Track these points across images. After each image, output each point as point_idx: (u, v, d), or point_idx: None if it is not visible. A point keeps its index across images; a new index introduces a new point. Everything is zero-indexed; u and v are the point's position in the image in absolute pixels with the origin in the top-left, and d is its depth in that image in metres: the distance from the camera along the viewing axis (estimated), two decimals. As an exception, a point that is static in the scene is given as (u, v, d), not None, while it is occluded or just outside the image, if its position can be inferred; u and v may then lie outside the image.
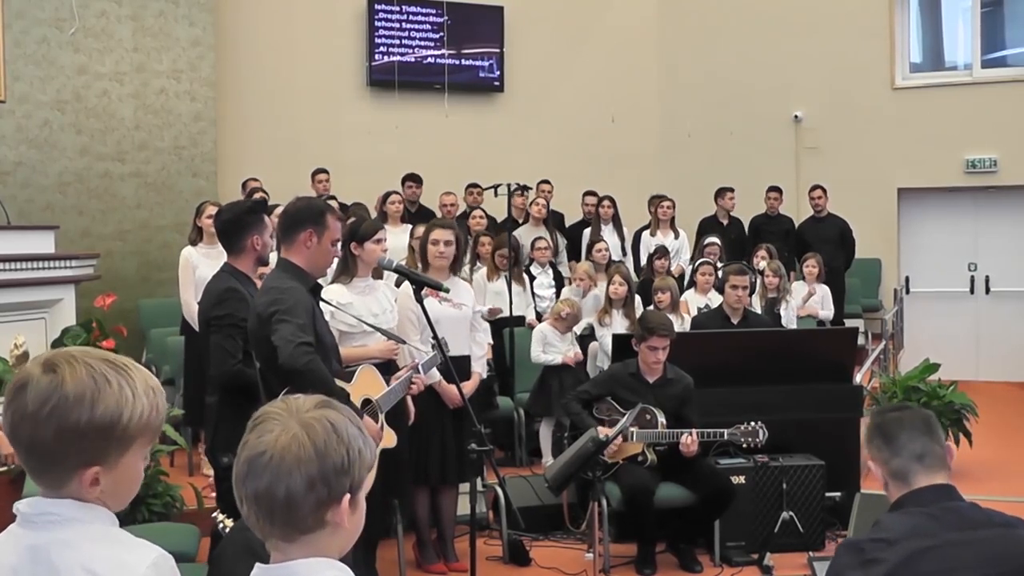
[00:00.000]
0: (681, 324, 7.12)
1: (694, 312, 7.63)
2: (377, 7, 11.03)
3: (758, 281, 8.15)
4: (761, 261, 8.60)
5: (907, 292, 11.35)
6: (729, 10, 11.83)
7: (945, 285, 11.37)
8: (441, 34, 11.28)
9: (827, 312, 8.91)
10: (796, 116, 11.67)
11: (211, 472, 5.19)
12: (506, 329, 7.52)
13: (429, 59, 11.30)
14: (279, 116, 10.54)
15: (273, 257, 4.79)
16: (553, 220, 9.73)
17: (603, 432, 5.19)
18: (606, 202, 9.54)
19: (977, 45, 11.25)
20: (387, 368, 4.67)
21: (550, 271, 8.64)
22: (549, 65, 11.70)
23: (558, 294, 8.26)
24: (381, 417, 4.19)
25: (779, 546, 5.63)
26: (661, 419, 5.49)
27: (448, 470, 5.35)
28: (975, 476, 6.54)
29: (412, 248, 7.11)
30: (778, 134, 11.65)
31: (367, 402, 4.16)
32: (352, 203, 8.48)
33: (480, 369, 5.58)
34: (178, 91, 9.62)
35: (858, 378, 6.84)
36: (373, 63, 11.06)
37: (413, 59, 11.24)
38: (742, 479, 5.70)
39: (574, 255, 9.56)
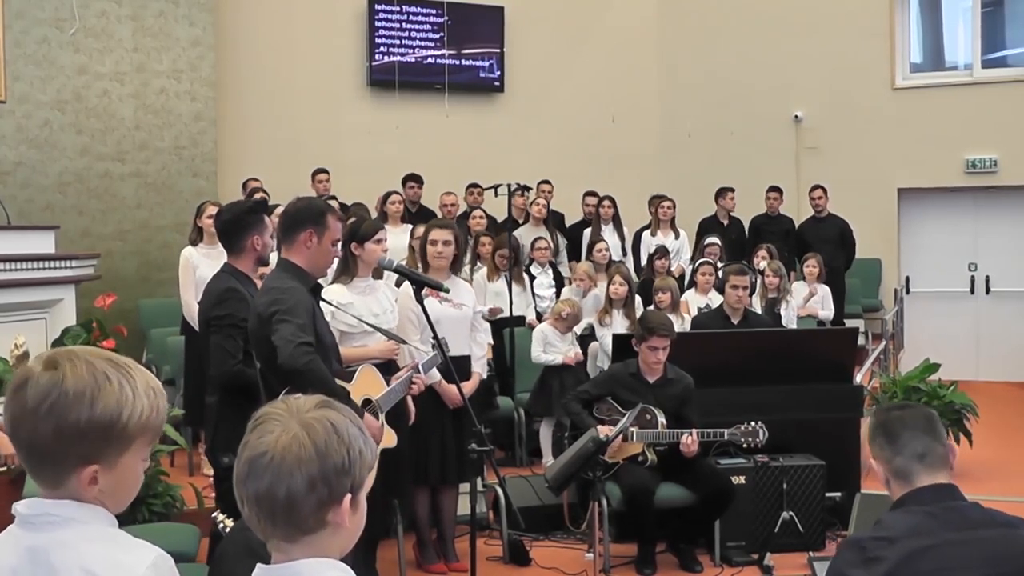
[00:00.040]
0: (681, 324, 7.12)
1: (694, 312, 7.63)
2: (377, 7, 11.03)
3: (758, 281, 8.15)
4: (761, 261, 8.60)
5: (907, 292, 11.35)
6: (729, 10, 11.83)
7: (945, 285, 11.37)
8: (441, 34, 11.28)
9: (827, 312, 8.92)
10: (796, 116, 11.67)
11: (211, 472, 5.19)
12: (506, 329, 7.52)
13: (429, 59, 11.30)
14: (279, 116, 10.54)
15: (273, 257, 4.79)
16: (553, 220, 9.73)
17: (603, 432, 5.19)
18: (606, 202, 9.54)
19: (977, 45, 11.25)
20: (387, 368, 4.68)
21: (550, 271, 8.64)
22: (549, 65, 11.70)
23: (558, 294, 8.26)
24: (381, 417, 4.20)
25: (779, 546, 5.63)
26: (661, 419, 5.49)
27: (448, 470, 5.35)
28: (975, 476, 6.53)
29: (412, 248, 7.12)
30: (778, 134, 11.65)
31: (367, 402, 4.16)
32: (352, 203, 8.48)
33: (480, 369, 5.58)
34: (178, 91, 9.62)
35: (858, 378, 6.84)
36: (373, 63, 11.06)
37: (413, 59, 11.24)
38: (742, 479, 5.70)
39: (574, 255, 9.56)
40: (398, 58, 11.15)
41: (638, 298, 7.75)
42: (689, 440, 5.38)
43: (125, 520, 1.70)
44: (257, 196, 7.49)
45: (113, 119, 9.32)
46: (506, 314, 7.47)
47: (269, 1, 10.62)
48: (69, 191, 9.09)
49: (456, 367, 4.60)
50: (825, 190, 10.40)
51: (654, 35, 12.20)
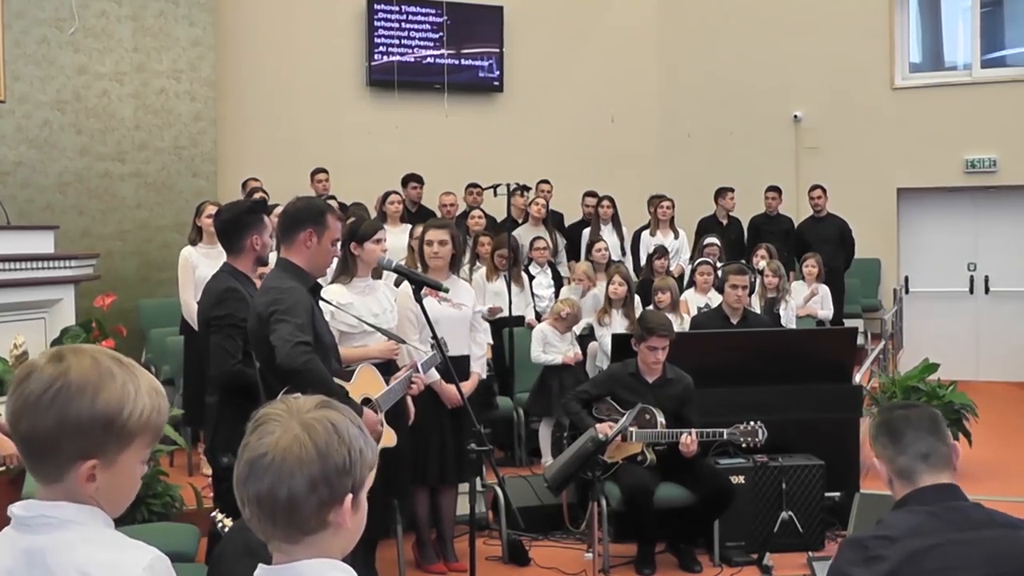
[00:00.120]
0: (681, 324, 7.12)
1: (694, 312, 7.63)
2: (377, 7, 11.03)
3: (758, 281, 8.15)
4: (761, 261, 8.60)
5: (907, 292, 11.35)
6: (729, 10, 11.84)
7: (945, 285, 11.37)
8: (441, 34, 11.29)
9: (827, 312, 8.92)
10: (796, 116, 11.67)
11: (210, 472, 5.19)
12: (506, 329, 7.52)
13: (429, 59, 11.30)
14: (279, 116, 10.54)
15: (273, 257, 4.79)
16: (553, 220, 9.73)
17: (602, 432, 5.19)
18: (605, 202, 9.54)
19: (977, 45, 11.25)
20: (387, 368, 4.68)
21: (549, 271, 8.64)
22: (549, 65, 11.70)
23: (557, 294, 8.26)
24: (380, 416, 4.20)
25: (779, 546, 5.63)
26: (660, 419, 5.49)
27: (447, 470, 5.35)
28: (975, 476, 6.53)
29: (411, 248, 7.12)
30: (778, 134, 11.65)
31: (367, 401, 4.17)
32: (352, 203, 8.48)
33: (479, 369, 5.58)
34: (178, 91, 9.62)
35: (858, 378, 6.85)
36: (373, 63, 11.06)
37: (413, 59, 11.25)
38: (742, 479, 5.70)
39: (574, 255, 9.56)
40: (397, 58, 11.15)
41: (637, 298, 7.75)
42: (688, 440, 5.38)
43: (124, 520, 1.70)
44: (256, 196, 7.49)
45: (113, 119, 9.32)
46: (505, 314, 7.47)
47: (269, 1, 10.62)
48: (69, 191, 9.09)
49: (455, 367, 4.61)
50: (824, 190, 10.40)
51: (654, 35, 12.20)
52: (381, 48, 11.09)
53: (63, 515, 1.57)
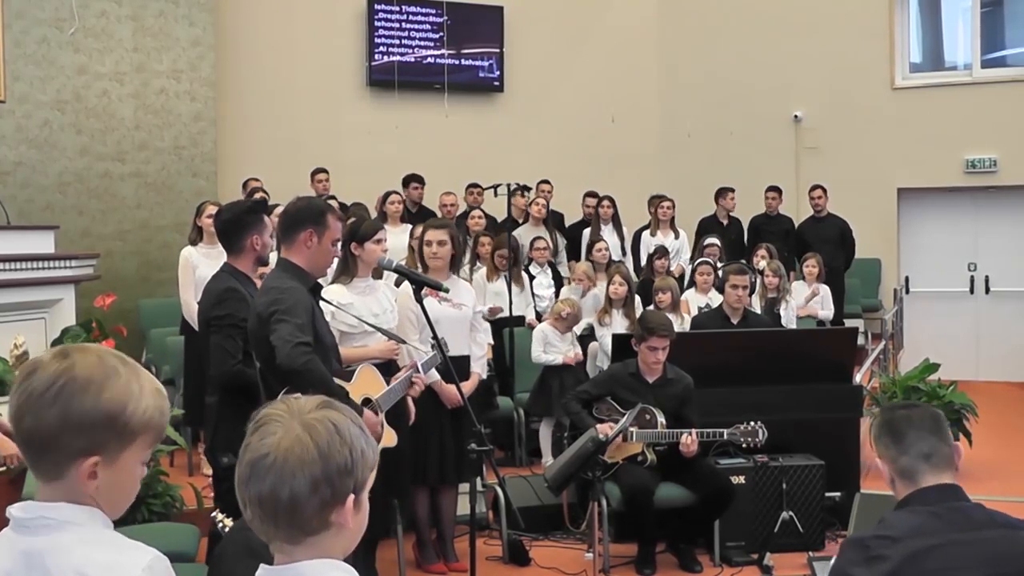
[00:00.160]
0: (681, 324, 7.12)
1: (695, 312, 7.63)
2: (377, 7, 11.03)
3: (758, 281, 8.15)
4: (761, 261, 8.60)
5: (907, 292, 11.35)
6: (729, 10, 11.84)
7: (945, 285, 11.37)
8: (441, 34, 11.29)
9: (827, 312, 8.92)
10: (796, 116, 11.67)
11: (210, 472, 5.19)
12: (506, 329, 7.52)
13: (429, 59, 11.30)
14: (279, 116, 10.54)
15: (273, 257, 4.79)
16: (553, 220, 9.73)
17: (603, 432, 5.19)
18: (606, 202, 9.54)
19: (977, 45, 11.25)
20: (387, 368, 4.67)
21: (549, 271, 8.64)
22: (549, 65, 11.70)
23: (557, 294, 8.26)
24: (381, 416, 4.20)
25: (779, 546, 5.63)
26: (661, 419, 5.49)
27: (447, 470, 5.35)
28: (975, 476, 6.53)
29: (412, 248, 7.12)
30: (778, 134, 11.65)
31: (367, 401, 4.16)
32: (352, 203, 8.48)
33: (479, 369, 5.57)
34: (178, 91, 9.62)
35: (858, 378, 6.84)
36: (373, 63, 11.06)
37: (413, 59, 11.24)
38: (742, 479, 5.70)
39: (574, 255, 9.56)
40: (398, 58, 11.15)
41: (637, 298, 7.76)
42: (689, 440, 5.38)
43: (124, 520, 1.70)
44: (257, 196, 7.49)
45: (113, 119, 9.32)
46: (505, 314, 7.47)
47: (269, 1, 10.62)
48: (69, 191, 9.09)
49: (455, 367, 4.60)
50: (825, 190, 10.40)
51: (654, 35, 12.20)
52: (381, 48, 11.09)
53: (62, 516, 1.56)
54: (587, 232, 9.45)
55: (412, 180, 9.73)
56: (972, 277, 11.34)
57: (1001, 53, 11.40)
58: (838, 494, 5.97)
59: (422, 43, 11.25)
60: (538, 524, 5.97)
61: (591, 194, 10.05)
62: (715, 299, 7.64)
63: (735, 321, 6.76)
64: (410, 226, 7.90)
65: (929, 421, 2.53)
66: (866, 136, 11.28)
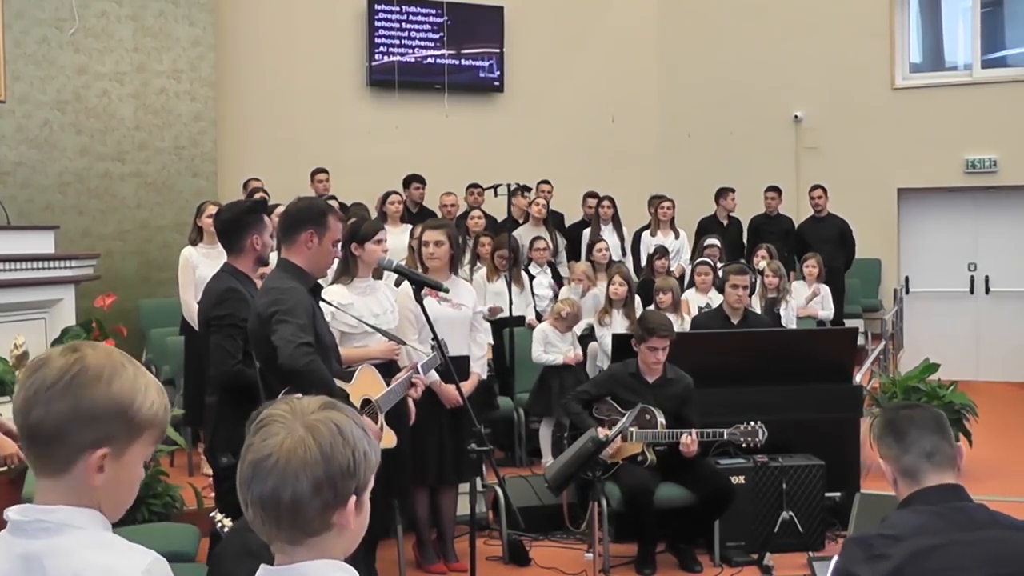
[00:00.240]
0: (681, 324, 7.12)
1: (695, 312, 7.63)
2: (377, 7, 11.03)
3: (758, 281, 8.15)
4: (761, 261, 8.60)
5: (907, 292, 11.35)
6: (729, 10, 11.84)
7: (945, 285, 11.37)
8: (441, 34, 11.29)
9: (827, 312, 8.92)
10: (796, 116, 11.67)
11: (211, 472, 5.19)
12: (506, 329, 7.52)
13: (429, 59, 11.30)
14: (279, 116, 10.54)
15: (273, 257, 4.79)
16: (553, 220, 9.73)
17: (603, 432, 5.19)
18: (606, 202, 9.54)
19: (977, 45, 11.25)
20: (388, 369, 4.67)
21: (548, 271, 8.64)
22: (549, 65, 11.70)
23: (557, 294, 8.26)
24: (381, 417, 4.20)
25: (779, 546, 5.63)
26: (661, 419, 5.49)
27: (446, 470, 5.35)
28: (975, 476, 6.52)
29: (412, 248, 7.11)
30: (778, 134, 11.65)
31: (367, 402, 4.16)
32: (352, 203, 8.48)
33: (479, 370, 5.57)
34: (178, 91, 9.62)
35: (858, 378, 6.84)
36: (373, 63, 11.06)
37: (413, 59, 11.24)
38: (742, 479, 5.70)
39: (574, 255, 9.56)
40: (398, 58, 11.15)
41: (637, 298, 7.76)
42: (688, 440, 5.38)
43: (124, 520, 1.69)
44: (257, 196, 7.50)
45: (113, 119, 9.32)
46: (506, 314, 7.47)
47: (269, 1, 10.62)
48: (69, 191, 9.09)
49: (454, 367, 4.60)
50: (825, 190, 10.40)
51: (654, 35, 12.20)
52: (381, 48, 11.09)
53: (60, 519, 1.55)
54: (587, 232, 9.45)
55: (413, 180, 9.73)
56: (972, 277, 11.34)
57: (1001, 53, 11.40)
58: (838, 494, 5.97)
59: (422, 43, 11.25)
60: (538, 524, 5.97)
61: (591, 194, 10.05)
62: (715, 299, 7.64)
63: (735, 321, 6.76)
64: (410, 226, 7.90)
65: (931, 421, 2.54)
66: (866, 136, 11.28)
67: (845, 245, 10.38)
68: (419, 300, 4.39)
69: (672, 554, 5.65)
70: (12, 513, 1.58)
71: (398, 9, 11.12)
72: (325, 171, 9.59)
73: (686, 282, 8.85)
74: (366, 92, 11.15)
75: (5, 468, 4.47)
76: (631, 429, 5.40)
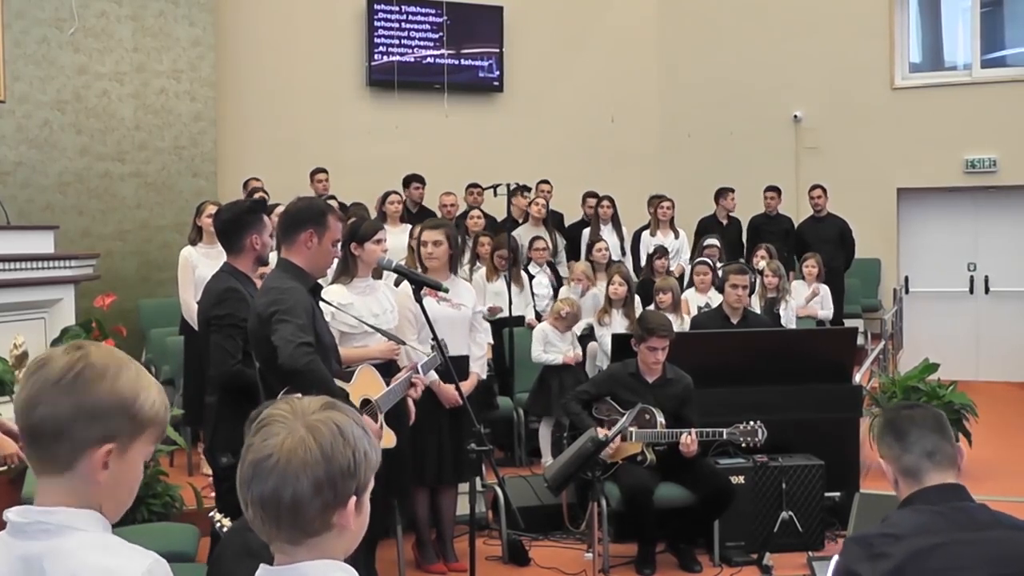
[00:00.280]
0: (681, 324, 7.12)
1: (695, 311, 7.63)
2: (377, 7, 11.03)
3: (758, 281, 8.15)
4: (761, 261, 8.60)
5: (907, 292, 11.35)
6: (729, 10, 11.84)
7: (945, 285, 11.37)
8: (441, 34, 11.29)
9: (826, 312, 8.92)
10: (796, 116, 11.68)
11: (210, 472, 5.19)
12: (506, 329, 7.52)
13: (429, 59, 11.30)
14: (279, 116, 10.54)
15: (273, 257, 4.79)
16: (552, 220, 9.73)
17: (602, 432, 5.19)
18: (605, 202, 9.54)
19: (977, 45, 11.25)
20: (388, 369, 4.67)
21: (548, 271, 8.64)
22: (549, 65, 11.70)
23: (556, 294, 8.26)
24: (380, 417, 4.20)
25: (779, 546, 5.63)
26: (660, 419, 5.49)
27: (445, 470, 5.35)
28: (975, 476, 6.51)
29: (411, 248, 7.11)
30: (778, 134, 11.65)
31: (366, 402, 4.16)
32: (352, 203, 8.48)
33: (479, 370, 5.57)
34: (178, 91, 9.62)
35: (857, 378, 6.85)
36: (373, 63, 11.06)
37: (413, 59, 11.25)
38: (742, 479, 5.70)
39: (574, 255, 9.56)
40: (397, 58, 11.15)
41: (637, 298, 7.76)
42: (688, 440, 5.38)
43: (124, 520, 1.69)
44: (257, 196, 7.50)
45: (113, 119, 9.32)
46: (505, 314, 7.47)
47: (269, 1, 10.62)
48: (69, 191, 9.09)
49: (454, 367, 4.60)
50: (824, 190, 10.40)
51: (654, 35, 12.20)
52: (381, 48, 11.09)
53: (61, 520, 1.55)
54: (587, 232, 9.45)
55: (413, 180, 9.73)
56: (972, 277, 11.34)
57: (1001, 53, 11.40)
58: (838, 494, 5.97)
59: (422, 43, 11.26)
60: (538, 524, 5.97)
61: (591, 194, 10.05)
62: (714, 299, 7.64)
63: (735, 321, 6.76)
64: (410, 226, 7.90)
65: (932, 420, 2.55)
66: (866, 136, 11.29)
67: (845, 245, 10.38)
68: (419, 300, 4.40)
69: (672, 554, 5.65)
70: (12, 515, 1.58)
71: (398, 9, 11.12)
72: (325, 171, 9.59)
73: (686, 282, 8.85)
74: (366, 92, 11.15)
75: (5, 468, 4.47)
76: (631, 429, 5.40)
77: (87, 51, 9.15)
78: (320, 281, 4.18)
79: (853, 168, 11.19)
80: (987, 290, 11.27)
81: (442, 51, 11.31)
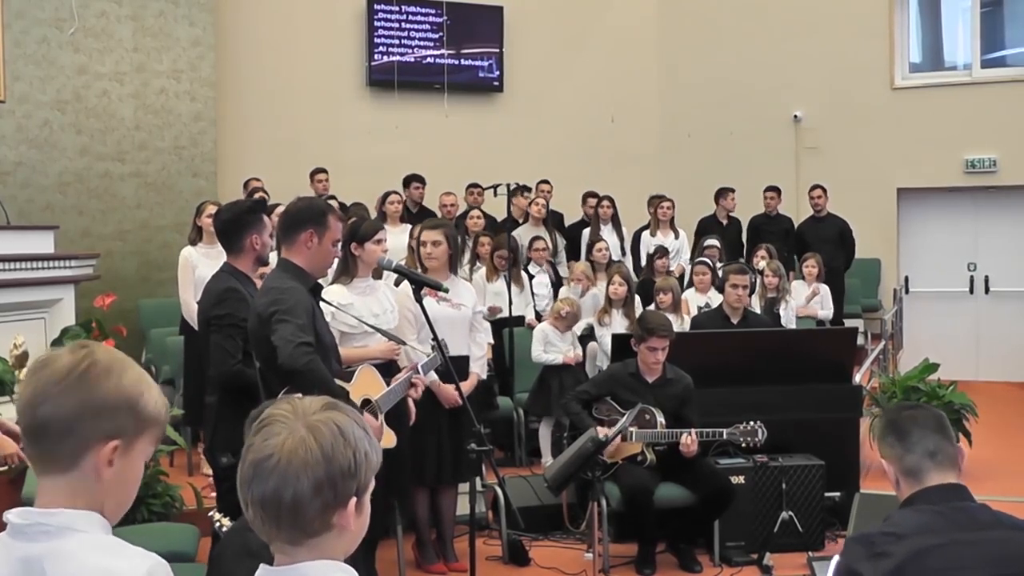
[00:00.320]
0: (681, 324, 7.12)
1: (695, 312, 7.63)
2: (377, 7, 11.03)
3: (758, 281, 8.15)
4: (761, 261, 8.60)
5: (907, 292, 11.35)
6: (729, 10, 11.84)
7: (945, 285, 11.37)
8: (441, 34, 11.29)
9: (826, 312, 8.92)
10: (796, 116, 11.67)
11: (211, 472, 5.19)
12: (506, 329, 7.52)
13: (429, 59, 11.30)
14: (279, 116, 10.54)
15: (273, 257, 4.79)
16: (552, 220, 9.73)
17: (602, 432, 5.19)
18: (605, 202, 9.54)
19: (977, 45, 11.25)
20: (388, 369, 4.67)
21: (547, 271, 8.64)
22: (549, 65, 11.70)
23: (556, 294, 8.26)
24: (380, 417, 4.20)
25: (779, 546, 5.63)
26: (660, 419, 5.49)
27: (444, 470, 5.35)
28: (975, 476, 6.50)
29: (411, 248, 7.11)
30: (778, 134, 11.65)
31: (367, 402, 4.16)
32: (352, 203, 8.48)
33: (479, 370, 5.57)
34: (178, 91, 9.62)
35: (857, 378, 6.85)
36: (373, 63, 11.06)
37: (413, 59, 11.25)
38: (742, 479, 5.70)
39: (574, 255, 9.56)
40: (397, 58, 11.15)
41: (637, 298, 7.76)
42: (688, 440, 5.38)
43: (124, 520, 1.69)
44: (257, 196, 7.50)
45: (113, 119, 9.32)
46: (505, 314, 7.48)
47: (269, 1, 10.62)
48: (69, 191, 9.09)
49: (454, 367, 4.60)
50: (825, 190, 10.40)
51: (654, 35, 12.20)
52: (381, 48, 11.09)
53: (62, 522, 1.55)
54: (587, 232, 9.45)
55: (413, 180, 9.73)
56: (972, 277, 11.34)
57: (1001, 53, 11.40)
58: (838, 494, 5.97)
59: (422, 43, 11.25)
60: (538, 524, 5.97)
61: (591, 194, 10.05)
62: (714, 299, 7.64)
63: (735, 321, 6.76)
64: (410, 226, 7.90)
65: (933, 421, 2.55)
66: (866, 136, 11.28)
67: (845, 245, 10.38)
68: (419, 300, 4.40)
69: (672, 554, 5.65)
70: (12, 516, 1.58)
71: (398, 9, 11.12)
72: (325, 171, 9.59)
73: (686, 282, 8.85)
74: (366, 92, 11.15)
75: (5, 468, 4.47)
76: (631, 429, 5.40)
77: (87, 51, 9.15)
78: (320, 281, 4.18)
79: (853, 168, 11.19)
80: (987, 290, 11.27)
81: (442, 51, 11.31)
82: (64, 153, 9.06)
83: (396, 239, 7.43)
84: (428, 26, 11.27)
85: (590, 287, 7.97)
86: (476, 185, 9.55)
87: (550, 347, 7.18)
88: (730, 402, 5.90)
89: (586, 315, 7.67)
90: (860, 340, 9.01)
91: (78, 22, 9.04)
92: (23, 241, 6.60)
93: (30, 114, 8.87)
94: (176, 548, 4.02)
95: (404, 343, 4.87)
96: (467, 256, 8.19)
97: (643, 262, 9.28)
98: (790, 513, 5.69)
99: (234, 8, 10.37)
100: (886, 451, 2.56)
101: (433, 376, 5.03)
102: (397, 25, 11.14)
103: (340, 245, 4.26)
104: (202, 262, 6.55)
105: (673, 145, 12.04)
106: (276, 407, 1.60)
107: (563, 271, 9.18)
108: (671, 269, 8.96)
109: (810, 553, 5.19)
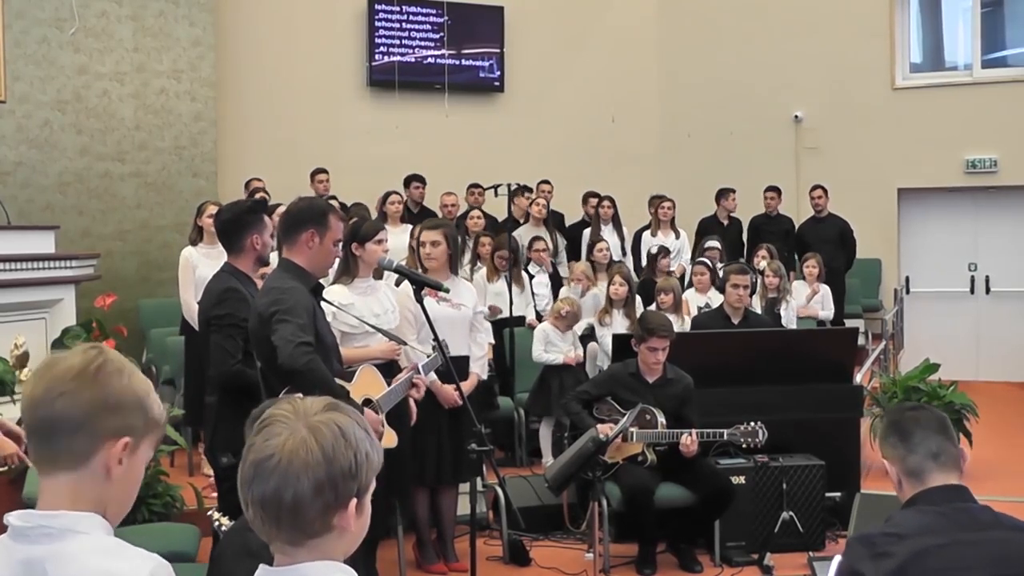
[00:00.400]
0: (682, 324, 7.12)
1: (695, 312, 7.63)
2: (377, 7, 11.03)
3: (758, 281, 8.15)
4: (761, 261, 8.60)
5: (907, 292, 11.35)
6: (729, 10, 11.83)
7: (945, 285, 11.37)
8: (441, 34, 11.29)
9: (827, 312, 8.92)
10: (796, 116, 11.67)
11: (211, 472, 5.19)
12: (506, 329, 7.52)
13: (429, 59, 11.30)
14: (279, 116, 10.54)
15: (274, 257, 4.79)
16: (553, 220, 9.73)
17: (603, 432, 5.19)
18: (606, 202, 9.54)
19: (977, 45, 11.25)
20: (389, 369, 4.67)
21: (547, 271, 8.64)
22: (549, 65, 11.70)
23: (556, 294, 8.26)
24: (381, 417, 4.20)
25: (779, 546, 5.63)
26: (661, 419, 5.49)
27: (444, 470, 5.35)
28: (975, 476, 6.48)
29: (412, 248, 7.11)
30: (778, 134, 11.64)
31: (367, 402, 4.16)
32: (352, 203, 8.48)
33: (479, 370, 5.57)
34: (178, 91, 9.62)
35: (858, 378, 6.84)
36: (373, 63, 11.06)
37: (413, 59, 11.24)
38: (742, 479, 5.70)
39: (574, 255, 9.56)
40: (398, 58, 11.15)
41: (638, 298, 7.76)
42: (689, 440, 5.38)
43: (125, 520, 1.69)
44: (257, 196, 7.50)
45: (113, 119, 9.31)
46: (506, 314, 7.47)
47: (269, 1, 10.62)
48: (69, 191, 9.09)
49: (454, 367, 4.60)
50: (825, 190, 10.40)
51: (654, 35, 12.20)
52: (381, 48, 11.09)
53: (63, 524, 1.55)
54: (587, 232, 9.45)
55: (414, 180, 9.74)
56: (972, 277, 11.34)
57: (1001, 53, 11.40)
58: (838, 494, 5.97)
59: (422, 43, 11.25)
60: (538, 524, 5.97)
61: (591, 194, 10.05)
62: (715, 299, 7.64)
63: (736, 321, 6.76)
64: (410, 226, 7.90)
65: (936, 422, 2.56)
66: (866, 136, 11.28)
67: (845, 245, 10.38)
68: (419, 300, 4.39)
69: (672, 554, 5.65)
70: (13, 519, 1.57)
71: (398, 9, 11.12)
72: (325, 171, 9.58)
73: (686, 282, 8.85)
74: (366, 92, 11.15)
75: (5, 469, 4.47)
76: (631, 429, 5.40)
77: (87, 51, 9.14)
78: (321, 281, 4.18)
79: (853, 168, 11.19)
80: (988, 290, 11.27)
81: (443, 51, 11.30)
82: (64, 153, 9.06)
83: (397, 239, 7.43)
84: (429, 26, 11.27)
85: (591, 287, 7.97)
86: (477, 185, 9.55)
87: (551, 347, 7.18)
88: (730, 402, 5.90)
89: (587, 315, 7.67)
90: (861, 340, 9.01)
91: (78, 22, 9.04)
92: (23, 241, 6.60)
93: (30, 114, 8.87)
94: (176, 548, 4.03)
95: (405, 343, 4.86)
96: (468, 256, 8.19)
97: (644, 262, 9.28)
98: (791, 513, 5.69)
99: (234, 8, 10.37)
100: (888, 452, 2.56)
101: (433, 376, 5.03)
102: (398, 25, 11.14)
103: (341, 245, 4.26)
104: (203, 262, 6.55)
105: (673, 145, 12.04)
106: (277, 407, 1.60)
107: (563, 271, 9.17)
108: (672, 269, 8.95)
109: (811, 553, 5.18)
